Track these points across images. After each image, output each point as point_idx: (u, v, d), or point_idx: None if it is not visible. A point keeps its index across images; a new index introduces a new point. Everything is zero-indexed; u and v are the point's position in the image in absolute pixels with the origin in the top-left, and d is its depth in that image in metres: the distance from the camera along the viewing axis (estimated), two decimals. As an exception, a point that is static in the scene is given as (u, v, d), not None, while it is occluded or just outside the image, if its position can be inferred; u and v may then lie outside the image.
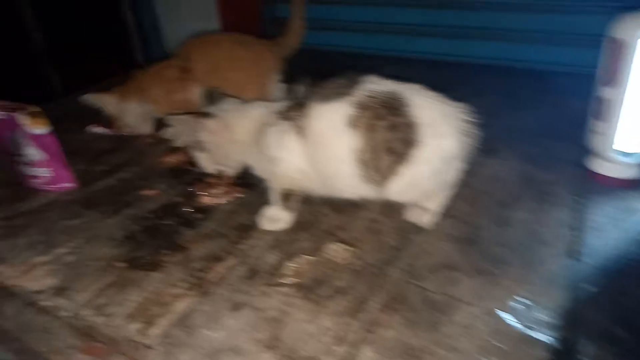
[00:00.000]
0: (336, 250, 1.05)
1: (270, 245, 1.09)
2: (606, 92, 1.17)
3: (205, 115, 1.19)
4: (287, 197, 1.11)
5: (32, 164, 1.30)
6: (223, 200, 1.26)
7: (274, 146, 1.07)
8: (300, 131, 1.03)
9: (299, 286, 0.96)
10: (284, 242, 1.09)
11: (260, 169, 1.18)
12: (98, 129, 1.68)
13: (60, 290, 0.99)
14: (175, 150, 1.50)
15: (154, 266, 1.04)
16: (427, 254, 1.03)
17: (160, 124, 1.61)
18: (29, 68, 2.76)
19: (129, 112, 1.56)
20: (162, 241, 1.12)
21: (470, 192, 1.20)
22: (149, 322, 0.89)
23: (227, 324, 0.88)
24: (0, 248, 1.13)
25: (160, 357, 0.82)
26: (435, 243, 1.06)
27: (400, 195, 1.05)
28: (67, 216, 1.24)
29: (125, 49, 3.39)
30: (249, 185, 1.30)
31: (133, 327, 0.88)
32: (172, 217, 1.21)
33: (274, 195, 1.14)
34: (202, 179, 1.34)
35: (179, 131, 1.20)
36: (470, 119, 1.01)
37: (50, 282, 1.02)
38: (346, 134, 0.97)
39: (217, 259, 1.05)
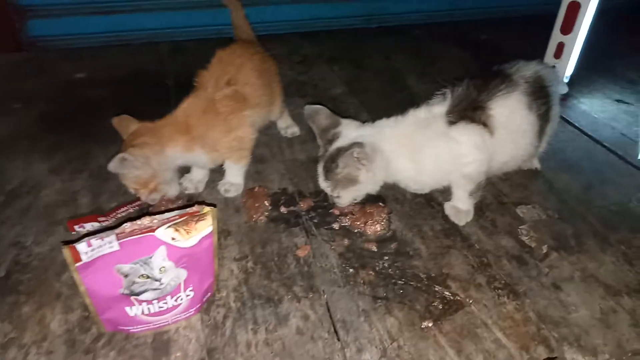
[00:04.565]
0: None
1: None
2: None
3: (356, 145, 1.09)
4: (476, 190, 1.17)
5: (162, 296, 0.86)
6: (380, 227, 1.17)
7: (470, 150, 1.10)
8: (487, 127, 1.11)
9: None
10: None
11: (425, 180, 1.18)
12: (85, 225, 1.12)
13: None
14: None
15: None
16: None
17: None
18: None
19: (169, 166, 1.13)
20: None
21: None
22: None
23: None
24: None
25: None
26: None
27: None
28: None
29: None
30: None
31: None
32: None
33: (460, 193, 1.18)
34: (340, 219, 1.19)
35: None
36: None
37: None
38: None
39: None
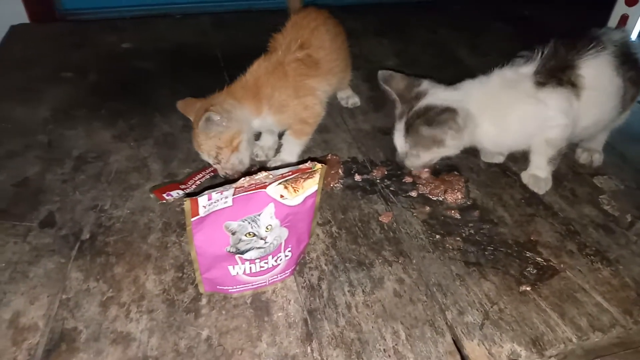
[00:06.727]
0: None
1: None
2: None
3: (448, 111, 1.08)
4: (556, 156, 1.15)
5: (265, 255, 0.85)
6: (460, 195, 1.16)
7: (557, 114, 1.07)
8: (575, 89, 1.08)
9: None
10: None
11: (506, 142, 1.16)
12: (172, 194, 1.11)
13: None
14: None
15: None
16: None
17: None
18: None
19: (249, 123, 1.13)
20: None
21: None
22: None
23: None
24: None
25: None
26: None
27: None
28: None
29: None
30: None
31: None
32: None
33: (539, 161, 1.16)
34: (416, 186, 1.18)
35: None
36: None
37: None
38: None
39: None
